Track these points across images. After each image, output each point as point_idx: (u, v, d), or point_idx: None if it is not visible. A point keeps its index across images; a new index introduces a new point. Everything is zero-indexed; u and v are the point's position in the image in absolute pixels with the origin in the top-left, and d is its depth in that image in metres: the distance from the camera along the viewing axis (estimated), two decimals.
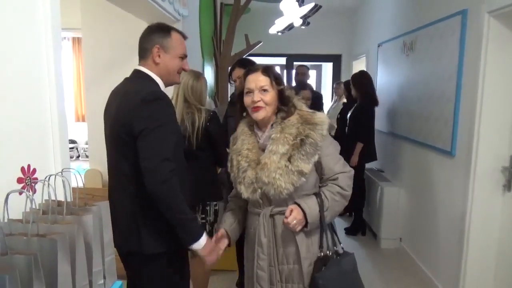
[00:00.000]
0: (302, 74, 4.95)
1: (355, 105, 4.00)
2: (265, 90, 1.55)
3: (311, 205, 1.54)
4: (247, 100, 1.57)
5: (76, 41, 7.37)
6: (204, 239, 1.51)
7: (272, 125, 1.61)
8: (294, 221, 1.49)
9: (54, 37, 1.36)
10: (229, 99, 3.31)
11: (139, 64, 1.61)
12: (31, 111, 1.27)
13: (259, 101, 1.54)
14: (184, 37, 1.66)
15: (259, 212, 1.60)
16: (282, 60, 7.27)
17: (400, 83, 3.89)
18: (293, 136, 1.52)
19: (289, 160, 1.51)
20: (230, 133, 2.82)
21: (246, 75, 1.60)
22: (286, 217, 1.50)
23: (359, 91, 3.94)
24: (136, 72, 1.60)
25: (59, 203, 1.10)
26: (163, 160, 1.40)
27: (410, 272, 3.32)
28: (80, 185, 1.24)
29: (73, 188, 1.25)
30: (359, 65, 5.94)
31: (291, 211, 1.51)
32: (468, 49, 2.58)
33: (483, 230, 2.52)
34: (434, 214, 3.09)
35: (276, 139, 1.54)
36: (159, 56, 1.56)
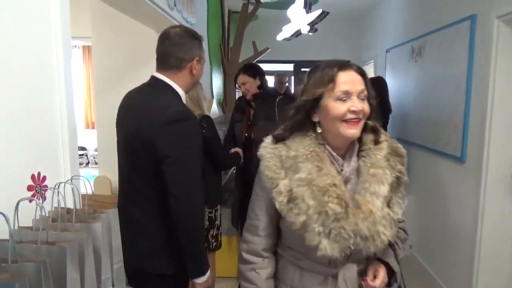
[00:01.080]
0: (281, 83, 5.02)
1: None
2: (363, 99, 1.12)
3: (394, 261, 1.20)
4: (341, 108, 1.09)
5: (86, 49, 7.46)
6: (209, 273, 1.48)
7: (359, 151, 1.18)
8: (383, 285, 1.17)
9: (64, 45, 1.37)
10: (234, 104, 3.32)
11: (161, 73, 1.50)
12: (41, 118, 1.28)
13: (361, 111, 1.10)
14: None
15: (333, 273, 1.15)
16: (290, 67, 7.29)
17: (408, 89, 3.87)
18: (389, 171, 1.14)
19: (388, 205, 1.12)
20: (238, 138, 2.83)
21: (337, 70, 1.12)
22: (371, 279, 1.16)
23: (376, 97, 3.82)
24: (156, 81, 1.49)
25: (69, 211, 1.10)
26: (193, 189, 1.37)
27: (421, 280, 3.28)
28: (90, 192, 1.25)
29: (82, 195, 1.26)
30: (367, 71, 5.92)
31: (376, 271, 1.18)
32: (478, 54, 2.56)
33: (495, 237, 2.48)
34: (444, 220, 3.05)
35: (377, 176, 1.12)
36: (195, 68, 1.50)
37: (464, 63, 2.68)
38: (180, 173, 1.35)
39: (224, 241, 2.85)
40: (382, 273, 1.17)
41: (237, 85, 2.84)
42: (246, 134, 2.79)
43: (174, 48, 1.46)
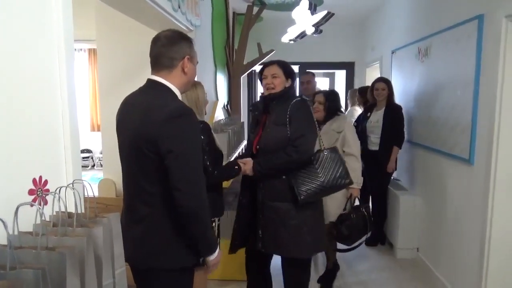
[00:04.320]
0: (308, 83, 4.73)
1: (385, 109, 3.81)
2: None
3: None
4: None
5: (92, 52, 7.50)
6: (218, 249, 1.56)
7: None
8: None
9: (67, 49, 1.37)
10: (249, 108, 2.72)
11: (155, 74, 1.54)
12: (43, 122, 1.27)
13: None
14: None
15: None
16: (295, 69, 7.24)
17: (415, 90, 3.83)
18: None
19: None
20: (250, 151, 2.54)
21: None
22: None
23: (391, 95, 3.89)
24: (153, 83, 1.54)
25: (70, 215, 1.09)
26: (196, 182, 1.42)
27: (428, 283, 3.23)
28: (91, 195, 1.24)
29: (85, 198, 1.24)
30: (372, 72, 5.89)
31: None
32: (485, 54, 2.52)
33: (505, 240, 2.44)
34: (452, 223, 3.00)
35: None
36: (187, 66, 1.54)
37: (472, 64, 2.64)
38: (183, 167, 1.39)
39: (226, 244, 2.70)
40: None
41: (262, 77, 2.35)
42: (257, 146, 2.33)
43: (165, 48, 1.52)
